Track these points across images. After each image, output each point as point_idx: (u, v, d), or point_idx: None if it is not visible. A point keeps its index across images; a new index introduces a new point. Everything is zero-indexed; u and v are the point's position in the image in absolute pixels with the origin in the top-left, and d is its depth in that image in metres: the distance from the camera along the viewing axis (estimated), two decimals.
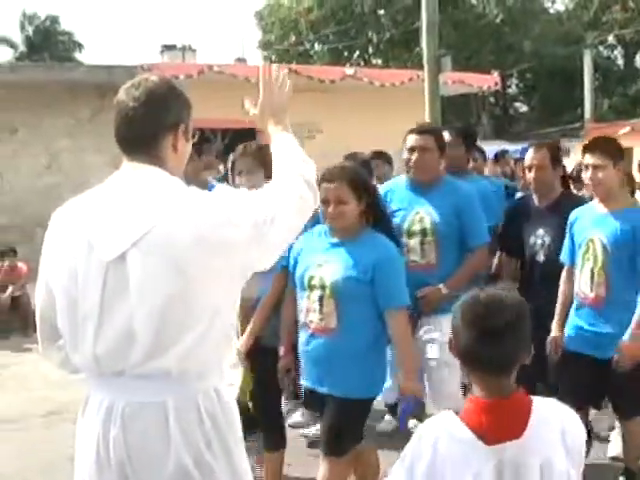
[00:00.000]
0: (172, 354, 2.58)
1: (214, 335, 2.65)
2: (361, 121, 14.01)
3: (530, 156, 5.58)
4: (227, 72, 14.12)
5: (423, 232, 5.23)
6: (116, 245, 2.56)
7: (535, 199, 5.66)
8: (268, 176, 4.92)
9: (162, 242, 2.53)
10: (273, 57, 38.79)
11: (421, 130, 5.37)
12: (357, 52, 39.46)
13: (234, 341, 2.86)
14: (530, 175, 5.57)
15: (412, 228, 5.26)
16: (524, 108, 45.64)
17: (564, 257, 5.25)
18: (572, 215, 5.19)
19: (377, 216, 4.46)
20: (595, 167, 4.91)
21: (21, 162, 13.56)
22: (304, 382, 4.46)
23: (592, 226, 4.99)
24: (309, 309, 4.33)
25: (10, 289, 11.76)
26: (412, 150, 5.28)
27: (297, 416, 6.32)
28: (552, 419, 2.51)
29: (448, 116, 30.60)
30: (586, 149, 5.06)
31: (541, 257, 5.51)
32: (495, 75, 18.37)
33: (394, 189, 5.52)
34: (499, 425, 2.46)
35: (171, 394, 2.62)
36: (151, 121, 2.71)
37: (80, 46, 46.55)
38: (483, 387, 2.51)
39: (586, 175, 5.01)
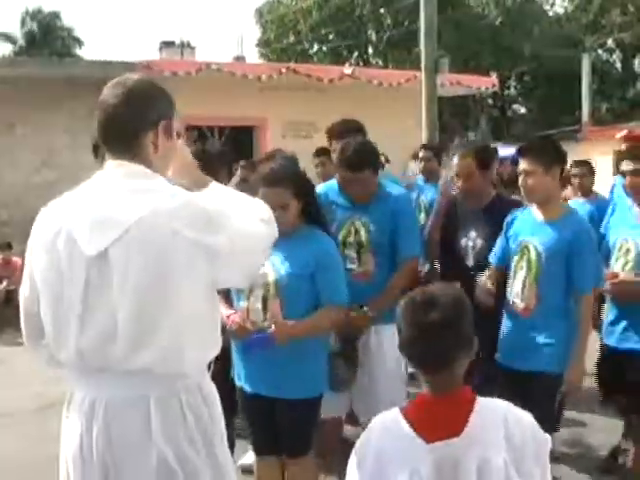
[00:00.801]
0: (152, 351, 2.61)
1: (196, 334, 2.69)
2: (358, 120, 14.05)
3: (455, 164, 5.29)
4: (225, 70, 14.13)
5: (359, 243, 5.00)
6: (98, 241, 2.60)
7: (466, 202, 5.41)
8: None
9: (141, 239, 2.57)
10: (271, 56, 38.79)
11: (358, 167, 4.86)
12: (356, 52, 39.44)
13: (218, 339, 2.88)
14: (458, 183, 5.29)
15: (347, 239, 5.03)
16: (522, 110, 45.64)
17: (493, 257, 5.03)
18: (510, 216, 4.98)
19: (312, 211, 4.43)
20: (526, 173, 4.69)
21: (19, 158, 13.57)
22: (245, 388, 4.42)
23: (528, 233, 4.78)
24: (251, 309, 4.27)
25: (4, 283, 11.81)
26: (348, 183, 4.96)
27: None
28: (494, 418, 2.52)
29: (446, 117, 30.69)
30: (520, 153, 4.82)
31: (471, 261, 5.28)
32: (493, 77, 18.40)
33: (327, 194, 5.17)
34: (439, 422, 2.50)
35: (154, 390, 2.65)
36: (131, 118, 2.74)
37: (80, 42, 46.51)
38: (428, 384, 2.56)
39: (520, 182, 4.77)
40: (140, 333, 2.60)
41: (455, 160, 5.29)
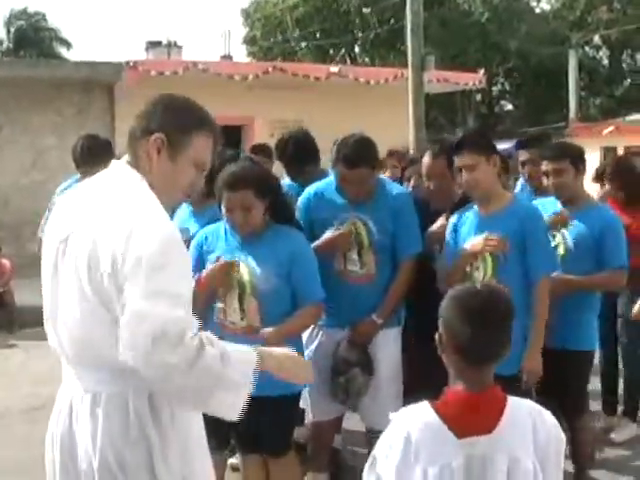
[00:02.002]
0: (91, 346, 2.63)
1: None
2: (346, 119, 13.99)
3: (427, 164, 5.05)
4: (212, 69, 14.13)
5: (360, 244, 4.87)
6: (64, 228, 2.68)
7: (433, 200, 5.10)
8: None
9: (85, 238, 2.58)
10: (257, 54, 38.74)
11: (354, 164, 4.74)
12: (343, 50, 39.43)
13: None
14: (430, 183, 5.03)
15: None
16: (510, 107, 45.69)
17: (446, 263, 4.78)
18: (453, 217, 4.80)
19: (280, 209, 4.40)
20: (467, 168, 4.51)
21: (6, 159, 13.57)
22: None
23: (476, 231, 4.61)
24: (227, 309, 4.25)
25: None
26: (346, 181, 4.83)
27: None
28: (524, 418, 2.55)
29: (433, 114, 30.73)
30: (454, 150, 4.61)
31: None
32: (480, 73, 18.42)
33: (323, 194, 5.02)
34: (472, 419, 2.51)
35: (104, 388, 2.65)
36: (138, 121, 2.78)
37: (68, 43, 46.22)
38: (467, 379, 2.55)
39: (460, 179, 4.59)
40: (74, 325, 2.64)
41: (426, 159, 5.06)
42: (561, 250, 5.04)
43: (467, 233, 4.68)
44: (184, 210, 5.25)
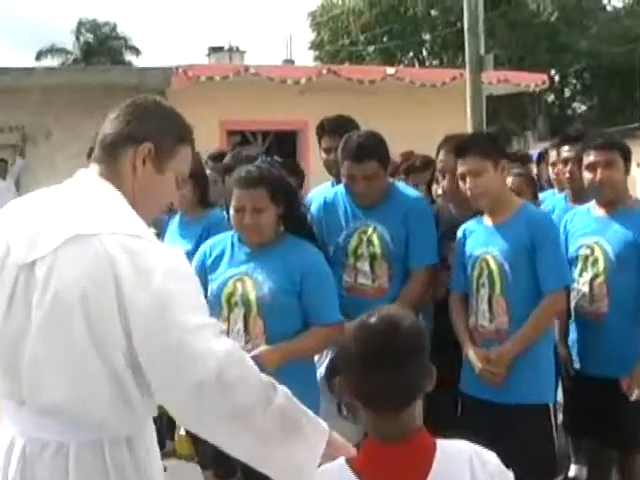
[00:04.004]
0: (57, 390, 2.30)
1: (109, 391, 2.31)
2: (402, 122, 13.70)
3: (441, 160, 4.67)
4: (263, 73, 13.91)
5: (372, 255, 4.49)
6: (28, 252, 2.32)
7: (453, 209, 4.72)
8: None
9: (67, 264, 2.27)
10: (324, 59, 38.61)
11: (360, 157, 4.40)
12: (410, 53, 39.12)
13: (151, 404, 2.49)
14: (443, 182, 4.63)
15: (359, 250, 4.53)
16: (582, 108, 44.88)
17: (451, 283, 4.44)
18: (460, 231, 4.39)
19: (296, 220, 4.03)
20: (472, 173, 4.12)
21: (59, 164, 13.64)
22: None
23: (483, 243, 4.21)
24: (231, 331, 3.82)
25: None
26: (352, 178, 4.47)
27: None
28: (459, 464, 2.16)
29: (501, 117, 30.20)
30: (458, 153, 4.24)
31: None
32: (552, 74, 18.01)
33: (333, 200, 4.70)
34: (395, 474, 2.12)
35: (73, 436, 2.33)
36: (116, 127, 2.49)
37: (137, 51, 46.54)
38: (379, 427, 2.17)
39: (465, 185, 4.19)
40: (37, 367, 2.30)
41: (441, 155, 4.64)
42: (601, 263, 4.48)
43: (473, 245, 4.28)
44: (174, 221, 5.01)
